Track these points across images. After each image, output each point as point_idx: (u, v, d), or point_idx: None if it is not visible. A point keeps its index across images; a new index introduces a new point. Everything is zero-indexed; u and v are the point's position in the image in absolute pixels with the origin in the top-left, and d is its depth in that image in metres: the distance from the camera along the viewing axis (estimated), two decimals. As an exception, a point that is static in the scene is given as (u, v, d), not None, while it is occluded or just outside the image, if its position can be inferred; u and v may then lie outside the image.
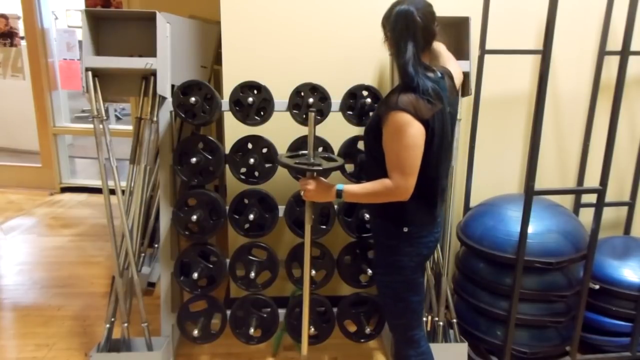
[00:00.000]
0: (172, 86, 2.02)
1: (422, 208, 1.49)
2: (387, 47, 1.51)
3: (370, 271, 2.03)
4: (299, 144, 2.03)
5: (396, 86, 1.46)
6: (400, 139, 1.36)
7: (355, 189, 1.47)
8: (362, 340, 2.13)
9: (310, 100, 1.98)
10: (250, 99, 1.95)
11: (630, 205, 2.52)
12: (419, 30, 1.39)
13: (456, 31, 2.09)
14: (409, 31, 1.38)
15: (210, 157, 2.00)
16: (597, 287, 2.11)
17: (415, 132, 1.35)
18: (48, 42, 4.30)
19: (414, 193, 1.42)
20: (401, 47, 1.39)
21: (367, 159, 1.58)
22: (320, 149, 2.05)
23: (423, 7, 1.40)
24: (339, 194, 1.48)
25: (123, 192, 2.04)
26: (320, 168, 1.54)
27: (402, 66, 1.40)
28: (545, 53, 1.75)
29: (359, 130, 2.16)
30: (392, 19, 1.41)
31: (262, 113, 2.01)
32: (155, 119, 2.02)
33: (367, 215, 2.02)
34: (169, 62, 1.99)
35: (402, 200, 1.42)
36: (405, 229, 1.48)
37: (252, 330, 2.04)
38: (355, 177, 2.09)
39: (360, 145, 2.06)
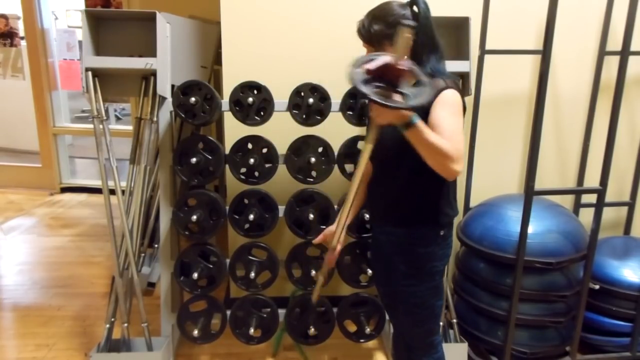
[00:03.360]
0: (172, 86, 2.02)
1: (453, 208, 1.48)
2: (400, 47, 1.29)
3: (370, 272, 2.03)
4: (298, 144, 2.03)
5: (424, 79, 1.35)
6: (452, 112, 1.30)
7: (427, 131, 1.22)
8: (362, 340, 2.13)
9: (310, 100, 1.98)
10: (250, 99, 1.95)
11: (630, 205, 2.52)
12: None
13: (456, 31, 2.08)
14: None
15: (210, 157, 2.00)
16: (597, 287, 2.11)
17: (462, 113, 1.35)
18: (48, 42, 4.30)
19: (449, 193, 1.42)
20: (435, 38, 1.39)
21: (394, 160, 1.43)
22: (320, 149, 2.05)
23: None
24: (410, 124, 1.21)
25: (123, 192, 2.04)
26: (413, 104, 1.19)
27: (440, 58, 1.40)
28: (545, 53, 1.75)
29: (359, 131, 2.16)
30: (425, 10, 1.36)
31: (262, 113, 2.01)
32: (155, 119, 2.02)
33: (367, 216, 2.02)
34: (169, 62, 1.99)
35: (439, 202, 1.40)
36: (442, 232, 1.44)
37: (252, 330, 2.03)
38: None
39: (361, 145, 2.06)
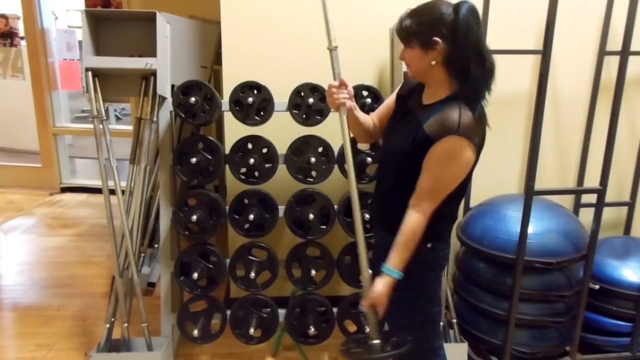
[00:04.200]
0: (172, 86, 2.02)
1: (449, 224, 1.47)
2: (423, 57, 1.30)
3: (370, 272, 2.02)
4: (298, 144, 2.03)
5: (450, 97, 1.32)
6: (448, 166, 1.27)
7: (397, 257, 1.33)
8: (362, 340, 2.13)
9: (310, 100, 1.98)
10: (250, 99, 1.95)
11: (630, 205, 2.52)
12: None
13: (456, 31, 2.08)
14: (481, 31, 1.25)
15: (210, 157, 2.00)
16: (597, 287, 2.11)
17: (466, 161, 1.27)
18: (48, 42, 4.30)
19: (444, 213, 1.37)
20: (482, 50, 1.27)
21: (393, 174, 1.44)
22: (320, 149, 2.05)
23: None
24: (393, 276, 1.35)
25: (123, 192, 2.04)
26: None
27: (477, 77, 1.29)
28: (545, 53, 1.75)
29: (359, 130, 2.16)
30: (465, 16, 1.22)
31: (262, 113, 2.01)
32: (155, 119, 2.02)
33: (367, 216, 2.02)
34: (169, 62, 1.99)
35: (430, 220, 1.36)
36: (429, 245, 1.41)
37: (252, 330, 2.03)
38: (356, 177, 2.08)
39: (361, 145, 2.06)
